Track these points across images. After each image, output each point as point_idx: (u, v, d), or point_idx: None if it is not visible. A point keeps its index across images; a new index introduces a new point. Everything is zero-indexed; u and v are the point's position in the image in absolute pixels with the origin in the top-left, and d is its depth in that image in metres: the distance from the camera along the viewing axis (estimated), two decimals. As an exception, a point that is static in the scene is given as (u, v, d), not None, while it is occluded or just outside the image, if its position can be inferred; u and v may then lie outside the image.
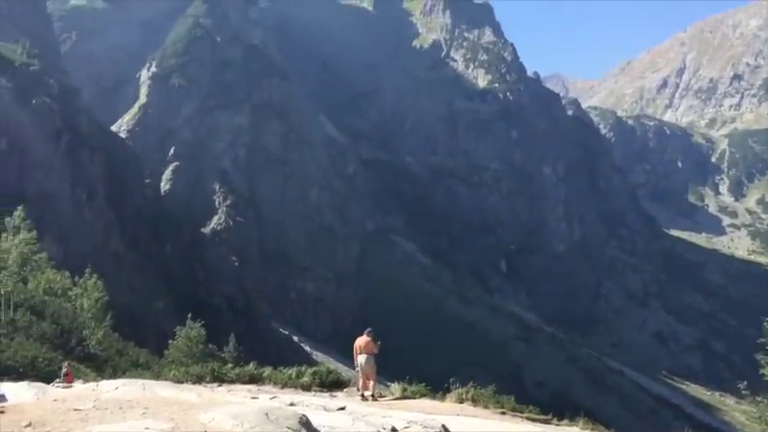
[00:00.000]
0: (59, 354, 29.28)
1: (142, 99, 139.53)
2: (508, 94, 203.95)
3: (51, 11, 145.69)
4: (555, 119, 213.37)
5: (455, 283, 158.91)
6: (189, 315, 43.29)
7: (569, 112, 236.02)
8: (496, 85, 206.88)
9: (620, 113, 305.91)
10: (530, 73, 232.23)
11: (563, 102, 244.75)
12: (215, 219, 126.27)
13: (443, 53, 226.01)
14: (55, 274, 38.68)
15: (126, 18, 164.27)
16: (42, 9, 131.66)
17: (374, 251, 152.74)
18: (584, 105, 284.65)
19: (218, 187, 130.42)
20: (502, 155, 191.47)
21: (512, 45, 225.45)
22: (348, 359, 18.91)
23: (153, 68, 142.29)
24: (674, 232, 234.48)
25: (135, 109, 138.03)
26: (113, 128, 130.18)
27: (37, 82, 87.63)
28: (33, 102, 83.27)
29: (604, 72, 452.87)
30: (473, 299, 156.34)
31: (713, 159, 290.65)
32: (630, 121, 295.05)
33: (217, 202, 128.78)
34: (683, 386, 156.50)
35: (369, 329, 17.97)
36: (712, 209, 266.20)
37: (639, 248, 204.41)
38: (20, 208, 39.77)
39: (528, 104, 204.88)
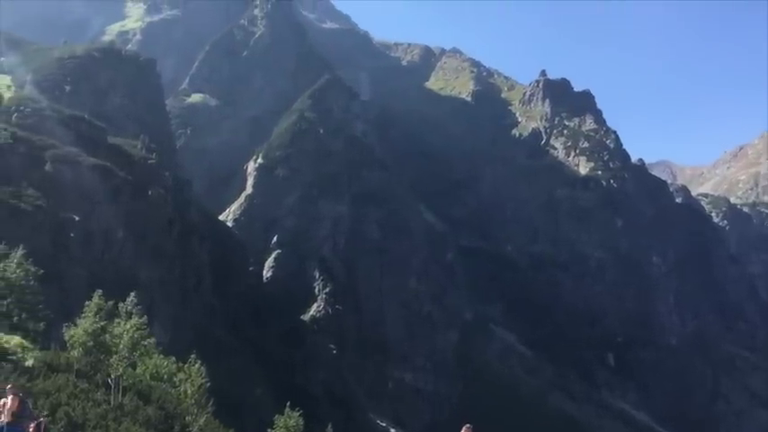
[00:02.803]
0: (162, 440, 29.23)
1: (248, 189, 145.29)
2: (611, 181, 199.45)
3: (170, 108, 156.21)
4: (663, 206, 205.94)
5: (558, 376, 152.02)
6: (287, 403, 42.75)
7: (678, 200, 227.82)
8: (599, 172, 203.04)
9: (733, 201, 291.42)
10: (634, 160, 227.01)
11: (671, 189, 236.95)
12: (314, 306, 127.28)
13: (543, 141, 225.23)
14: (162, 360, 39.28)
15: (236, 114, 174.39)
16: (161, 107, 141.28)
17: (473, 341, 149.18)
18: (693, 193, 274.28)
19: (317, 275, 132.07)
20: (606, 243, 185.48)
21: (614, 132, 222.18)
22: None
23: (259, 160, 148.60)
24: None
25: (242, 199, 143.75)
26: (221, 217, 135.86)
27: (153, 175, 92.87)
28: (149, 193, 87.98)
29: (714, 158, 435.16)
30: (578, 394, 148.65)
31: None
32: (746, 209, 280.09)
33: (316, 290, 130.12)
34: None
35: (467, 426, 16.91)
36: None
37: (760, 344, 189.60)
38: (132, 294, 41.02)
39: (633, 192, 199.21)
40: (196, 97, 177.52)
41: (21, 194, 68.81)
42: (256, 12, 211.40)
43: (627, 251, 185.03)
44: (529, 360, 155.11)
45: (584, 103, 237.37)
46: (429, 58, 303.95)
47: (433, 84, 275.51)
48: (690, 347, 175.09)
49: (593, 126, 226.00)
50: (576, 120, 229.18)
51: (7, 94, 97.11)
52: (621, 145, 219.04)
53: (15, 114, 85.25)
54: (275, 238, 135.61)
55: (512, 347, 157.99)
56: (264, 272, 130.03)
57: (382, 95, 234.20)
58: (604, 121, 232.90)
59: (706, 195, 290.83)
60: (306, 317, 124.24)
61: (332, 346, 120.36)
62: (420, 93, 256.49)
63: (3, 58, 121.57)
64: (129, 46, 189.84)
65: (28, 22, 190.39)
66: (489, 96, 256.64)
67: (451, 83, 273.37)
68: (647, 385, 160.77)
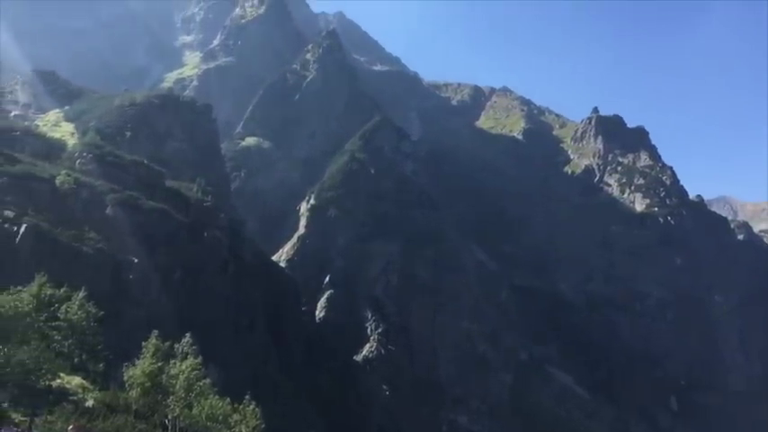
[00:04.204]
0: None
1: (301, 230, 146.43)
2: (669, 218, 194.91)
3: (225, 151, 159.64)
4: (724, 244, 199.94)
5: (619, 420, 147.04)
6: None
7: (740, 237, 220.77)
8: (656, 209, 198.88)
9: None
10: (692, 196, 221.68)
11: (732, 225, 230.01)
12: (367, 346, 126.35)
13: (597, 178, 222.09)
14: (217, 401, 39.42)
15: (289, 156, 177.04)
16: (217, 150, 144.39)
17: (529, 382, 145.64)
18: (755, 229, 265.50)
19: (370, 314, 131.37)
20: (665, 282, 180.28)
21: (670, 168, 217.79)
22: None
23: (312, 201, 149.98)
24: None
25: (294, 239, 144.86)
26: (275, 257, 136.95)
27: (209, 216, 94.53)
28: (205, 234, 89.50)
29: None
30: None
31: None
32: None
33: (369, 330, 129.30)
34: None
35: None
36: None
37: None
38: (188, 335, 41.53)
39: (692, 229, 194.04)
40: (250, 140, 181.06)
41: (83, 237, 70.83)
42: (308, 56, 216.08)
43: (687, 290, 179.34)
44: (587, 402, 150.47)
45: (637, 140, 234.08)
46: (479, 98, 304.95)
47: (484, 123, 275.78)
48: (758, 391, 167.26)
49: (648, 162, 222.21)
50: (631, 156, 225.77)
51: (71, 141, 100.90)
52: (678, 181, 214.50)
53: (79, 160, 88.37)
54: (328, 278, 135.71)
55: (569, 389, 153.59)
56: (317, 312, 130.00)
57: (432, 135, 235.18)
58: (659, 157, 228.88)
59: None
60: (359, 357, 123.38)
61: (385, 386, 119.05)
62: (470, 132, 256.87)
63: (67, 107, 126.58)
64: (187, 92, 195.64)
65: (92, 70, 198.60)
66: (540, 134, 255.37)
67: (502, 121, 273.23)
68: (712, 429, 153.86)
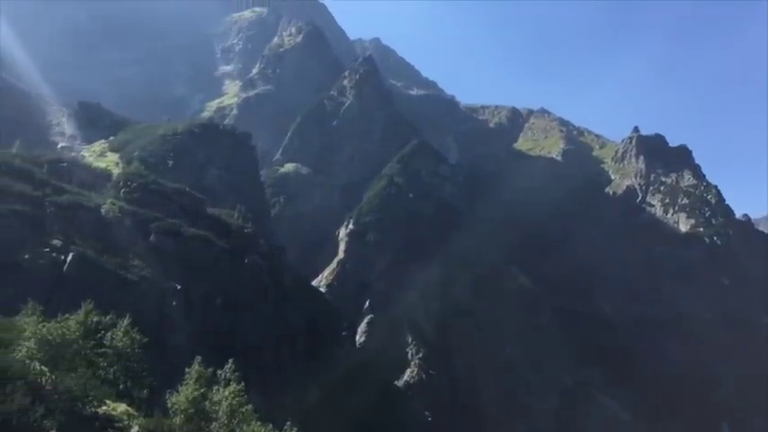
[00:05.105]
0: None
1: (340, 255, 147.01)
2: (715, 238, 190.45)
3: (264, 178, 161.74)
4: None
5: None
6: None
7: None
8: (701, 229, 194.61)
9: None
10: (738, 215, 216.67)
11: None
12: (408, 371, 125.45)
13: (639, 198, 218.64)
14: (260, 426, 39.39)
15: (327, 181, 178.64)
16: (256, 177, 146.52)
17: (574, 408, 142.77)
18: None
19: (410, 339, 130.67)
20: (713, 303, 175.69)
21: (715, 187, 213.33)
22: None
23: (350, 226, 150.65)
24: None
25: (334, 264, 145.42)
26: (314, 282, 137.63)
27: (250, 242, 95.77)
28: (246, 261, 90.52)
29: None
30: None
31: None
32: None
33: (409, 354, 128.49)
34: None
35: None
36: None
37: None
38: (231, 360, 41.75)
39: (740, 249, 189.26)
40: (289, 167, 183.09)
41: (128, 265, 72.14)
42: (345, 82, 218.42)
43: (736, 311, 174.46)
44: (634, 428, 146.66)
45: (680, 159, 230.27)
46: (516, 120, 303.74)
47: (522, 144, 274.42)
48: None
49: (691, 181, 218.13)
50: (674, 175, 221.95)
51: (116, 170, 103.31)
52: (724, 200, 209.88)
53: (123, 189, 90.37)
54: (367, 303, 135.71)
55: (616, 415, 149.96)
56: (358, 337, 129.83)
57: (470, 158, 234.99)
58: (704, 176, 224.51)
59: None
60: (400, 382, 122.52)
61: (427, 412, 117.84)
62: (509, 154, 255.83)
63: (112, 137, 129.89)
64: (227, 120, 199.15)
65: (135, 101, 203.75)
66: (580, 155, 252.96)
67: (540, 143, 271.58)
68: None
